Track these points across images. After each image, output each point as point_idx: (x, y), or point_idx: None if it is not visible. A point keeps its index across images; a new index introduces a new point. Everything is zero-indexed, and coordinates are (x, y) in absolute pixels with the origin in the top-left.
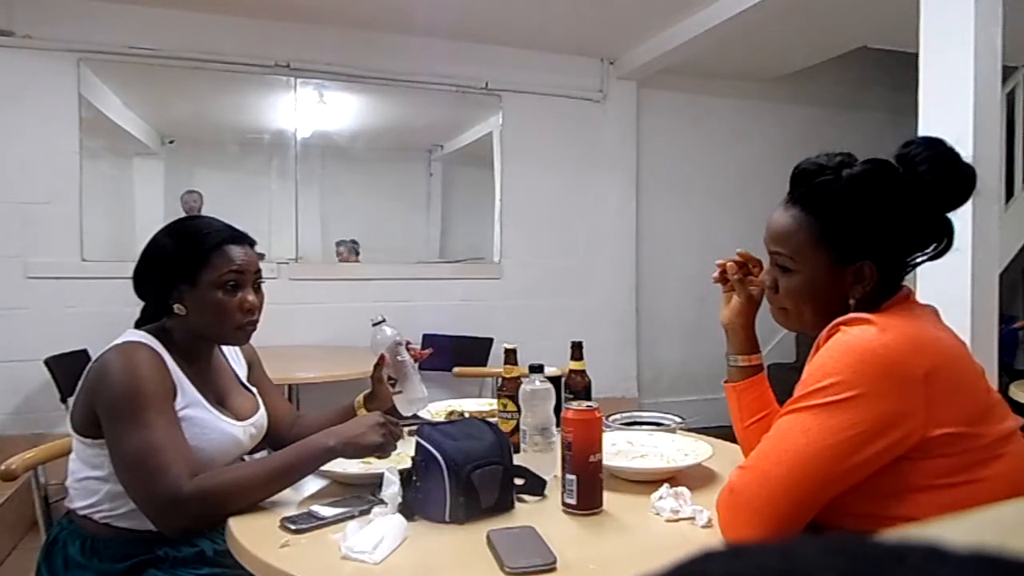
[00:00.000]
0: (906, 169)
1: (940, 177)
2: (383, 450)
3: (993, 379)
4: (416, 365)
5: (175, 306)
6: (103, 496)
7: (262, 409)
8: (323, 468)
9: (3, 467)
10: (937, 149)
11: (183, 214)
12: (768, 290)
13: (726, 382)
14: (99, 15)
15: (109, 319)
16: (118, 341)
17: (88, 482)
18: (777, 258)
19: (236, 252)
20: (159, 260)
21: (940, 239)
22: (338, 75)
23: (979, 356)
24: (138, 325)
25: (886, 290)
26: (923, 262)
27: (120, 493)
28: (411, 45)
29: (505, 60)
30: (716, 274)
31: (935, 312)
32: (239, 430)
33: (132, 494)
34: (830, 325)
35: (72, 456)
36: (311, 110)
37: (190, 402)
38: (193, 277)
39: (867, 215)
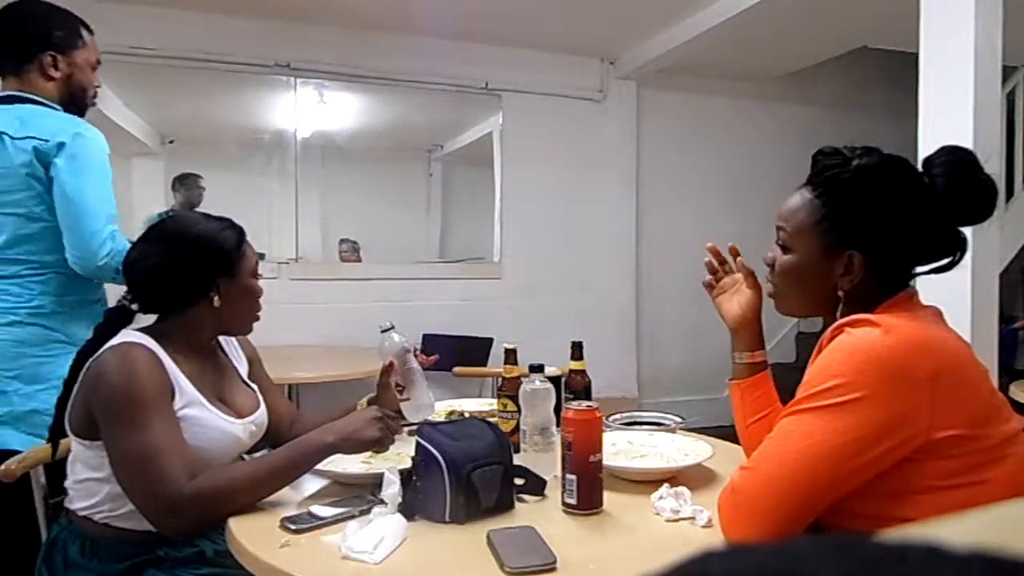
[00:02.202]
0: (924, 173)
1: (953, 184)
2: (381, 444)
3: (993, 379)
4: (422, 371)
5: (214, 299)
6: (103, 497)
7: (263, 407)
8: (323, 468)
9: (3, 467)
10: (957, 156)
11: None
12: (768, 269)
13: (731, 379)
14: (99, 15)
15: None
16: (114, 342)
17: (88, 483)
18: (780, 234)
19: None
20: (192, 263)
21: (950, 252)
22: (338, 75)
23: (979, 356)
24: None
25: (884, 289)
26: (926, 272)
27: (120, 494)
28: (411, 45)
29: (505, 60)
30: (707, 279)
31: (939, 313)
32: (239, 428)
33: (131, 496)
34: (833, 326)
35: (71, 457)
36: (311, 110)
37: (189, 401)
38: (231, 269)
39: (867, 205)
